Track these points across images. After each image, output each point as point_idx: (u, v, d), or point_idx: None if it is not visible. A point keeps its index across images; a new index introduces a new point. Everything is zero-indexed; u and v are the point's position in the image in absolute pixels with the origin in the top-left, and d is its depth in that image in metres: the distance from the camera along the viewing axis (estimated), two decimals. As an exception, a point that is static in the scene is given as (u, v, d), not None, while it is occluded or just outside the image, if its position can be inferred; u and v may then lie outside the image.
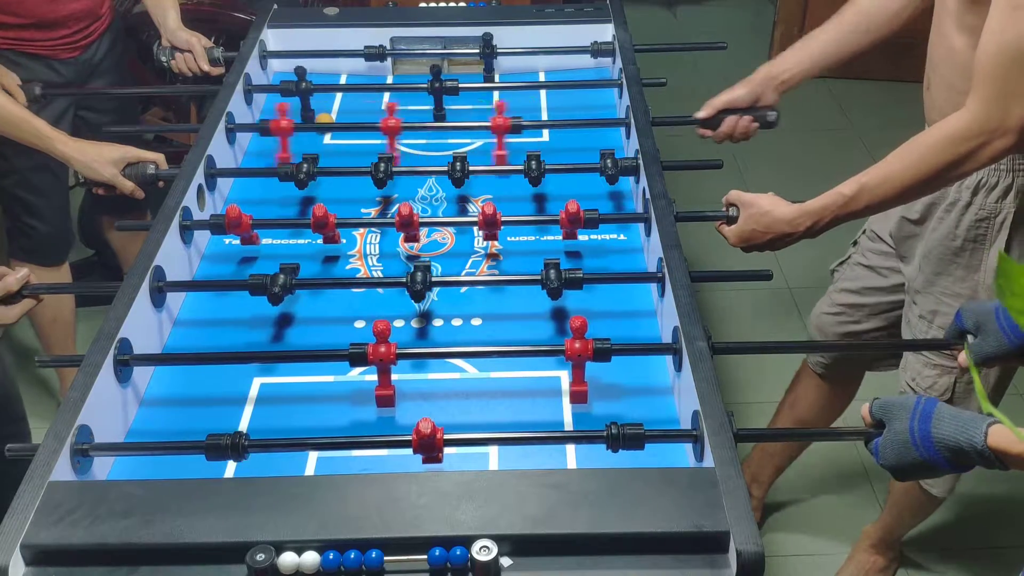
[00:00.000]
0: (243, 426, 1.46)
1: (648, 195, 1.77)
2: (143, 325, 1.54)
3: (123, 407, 1.46)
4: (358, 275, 1.79)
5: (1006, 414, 0.74)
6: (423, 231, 1.84)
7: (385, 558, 1.13)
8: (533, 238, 1.86)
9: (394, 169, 1.89)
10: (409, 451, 1.29)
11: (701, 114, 2.01)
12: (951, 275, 1.84)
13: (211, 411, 1.49)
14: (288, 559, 1.12)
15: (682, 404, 1.45)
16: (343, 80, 2.39)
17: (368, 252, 1.84)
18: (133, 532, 1.15)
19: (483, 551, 1.12)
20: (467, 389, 1.53)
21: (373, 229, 1.88)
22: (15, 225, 2.50)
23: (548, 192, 1.98)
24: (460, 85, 2.16)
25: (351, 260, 1.82)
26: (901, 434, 1.21)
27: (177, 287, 1.66)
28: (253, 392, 1.53)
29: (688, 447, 1.36)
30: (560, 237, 1.81)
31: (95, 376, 1.37)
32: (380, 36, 2.37)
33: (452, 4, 2.66)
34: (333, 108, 2.29)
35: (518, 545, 1.15)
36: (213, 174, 1.92)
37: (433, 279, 1.62)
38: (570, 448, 1.40)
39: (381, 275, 1.78)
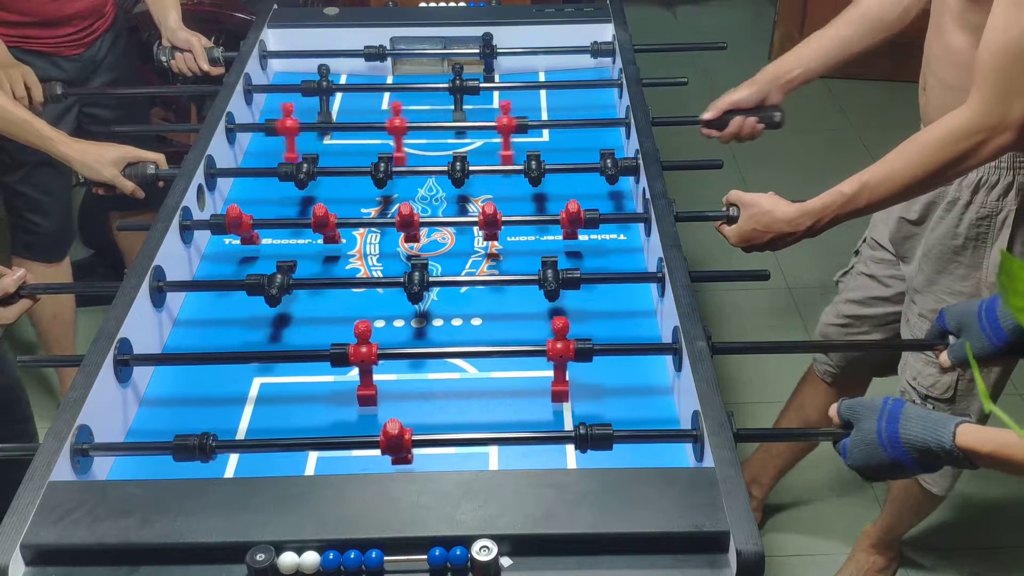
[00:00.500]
0: (243, 426, 1.46)
1: (648, 195, 1.77)
2: (143, 325, 1.54)
3: (123, 407, 1.46)
4: (358, 275, 1.79)
5: (1005, 413, 0.74)
6: (423, 231, 1.84)
7: (385, 558, 1.13)
8: (533, 238, 1.86)
9: (394, 169, 1.89)
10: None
11: (707, 115, 2.00)
12: (952, 274, 1.84)
13: (211, 411, 1.49)
14: (288, 559, 1.12)
15: (682, 404, 1.44)
16: (343, 80, 2.39)
17: (368, 252, 1.84)
18: (133, 532, 1.15)
19: (483, 551, 1.12)
20: (467, 389, 1.53)
21: (373, 229, 1.88)
22: (18, 222, 2.51)
23: (548, 192, 1.98)
24: (477, 85, 2.17)
25: (351, 260, 1.82)
26: (869, 434, 1.22)
27: (177, 287, 1.66)
28: (253, 392, 1.53)
29: (688, 447, 1.36)
30: (560, 237, 1.81)
31: (95, 376, 1.37)
32: (380, 36, 2.37)
33: (452, 4, 2.66)
34: (333, 108, 2.29)
35: (518, 545, 1.15)
36: (213, 174, 1.92)
37: (431, 279, 1.62)
38: (570, 448, 1.39)
39: (381, 275, 1.78)
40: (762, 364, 2.74)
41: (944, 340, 1.44)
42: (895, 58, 3.24)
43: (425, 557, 1.12)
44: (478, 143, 2.15)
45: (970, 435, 1.15)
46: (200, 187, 1.86)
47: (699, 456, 1.30)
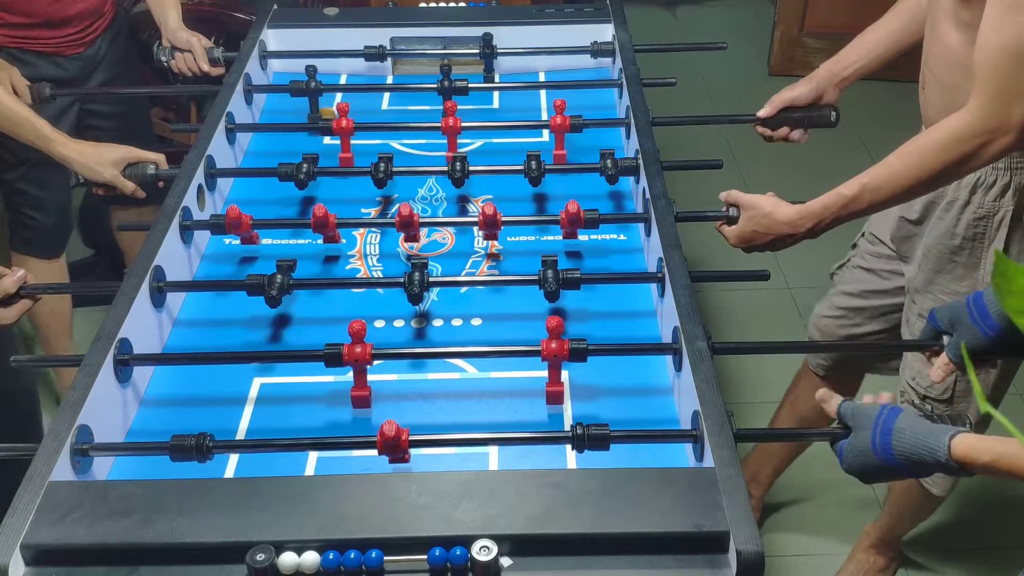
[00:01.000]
0: (243, 426, 1.46)
1: (648, 195, 1.77)
2: (143, 325, 1.54)
3: (123, 407, 1.46)
4: (358, 275, 1.79)
5: (1006, 415, 0.74)
6: (423, 231, 1.84)
7: (385, 558, 1.13)
8: (533, 238, 1.86)
9: (394, 169, 1.89)
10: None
11: (763, 112, 1.98)
12: (950, 274, 1.84)
13: (211, 411, 1.49)
14: (288, 559, 1.12)
15: (682, 404, 1.45)
16: (343, 80, 2.39)
17: (368, 252, 1.84)
18: (133, 532, 1.15)
19: (483, 551, 1.12)
20: (467, 389, 1.53)
21: (373, 229, 1.88)
22: (17, 218, 2.51)
23: (548, 192, 1.98)
24: (466, 85, 2.16)
25: (351, 260, 1.82)
26: (864, 443, 1.22)
27: (177, 287, 1.66)
28: (253, 392, 1.53)
29: (688, 447, 1.36)
30: (560, 237, 1.81)
31: (95, 376, 1.37)
32: (380, 36, 2.37)
33: (452, 4, 2.66)
34: (333, 107, 2.29)
35: (518, 545, 1.15)
36: (213, 174, 1.92)
37: (431, 279, 1.62)
38: (570, 448, 1.39)
39: (381, 275, 1.78)
40: (762, 364, 2.74)
41: (939, 340, 1.44)
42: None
43: (425, 557, 1.12)
44: (478, 143, 2.15)
45: (965, 446, 1.15)
46: (200, 187, 1.86)
47: (699, 456, 1.30)
